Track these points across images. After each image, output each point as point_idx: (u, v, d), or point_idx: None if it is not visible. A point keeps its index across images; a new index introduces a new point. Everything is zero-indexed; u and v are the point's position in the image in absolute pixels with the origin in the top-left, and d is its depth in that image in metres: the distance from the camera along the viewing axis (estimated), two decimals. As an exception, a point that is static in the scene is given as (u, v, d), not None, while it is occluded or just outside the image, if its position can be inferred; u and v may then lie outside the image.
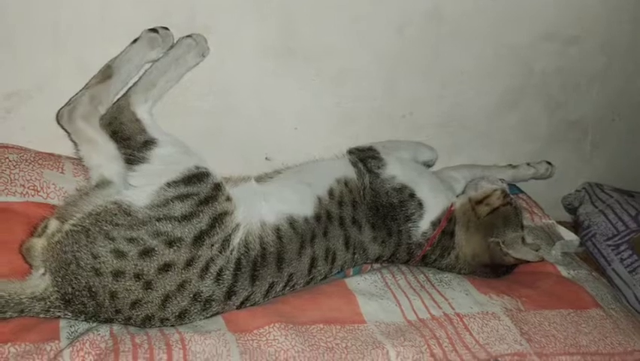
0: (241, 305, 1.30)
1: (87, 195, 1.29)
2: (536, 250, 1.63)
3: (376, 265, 1.58)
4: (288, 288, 1.38)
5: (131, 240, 1.18)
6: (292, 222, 1.39)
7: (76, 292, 1.16)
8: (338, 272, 1.51)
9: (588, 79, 2.03)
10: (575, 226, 2.16)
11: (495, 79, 1.88)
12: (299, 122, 1.73)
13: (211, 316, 1.27)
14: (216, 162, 1.37)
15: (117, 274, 1.16)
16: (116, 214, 1.20)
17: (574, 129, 2.12)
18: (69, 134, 1.36)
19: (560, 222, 1.94)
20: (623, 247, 1.96)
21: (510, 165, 1.97)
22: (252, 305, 1.32)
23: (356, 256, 1.51)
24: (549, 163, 1.99)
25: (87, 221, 1.19)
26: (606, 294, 1.59)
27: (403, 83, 1.78)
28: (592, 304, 1.52)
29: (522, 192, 1.99)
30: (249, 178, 1.47)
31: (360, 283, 1.45)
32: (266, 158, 1.73)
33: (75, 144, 1.37)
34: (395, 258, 1.57)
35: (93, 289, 1.16)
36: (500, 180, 1.73)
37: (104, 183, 1.32)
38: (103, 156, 1.33)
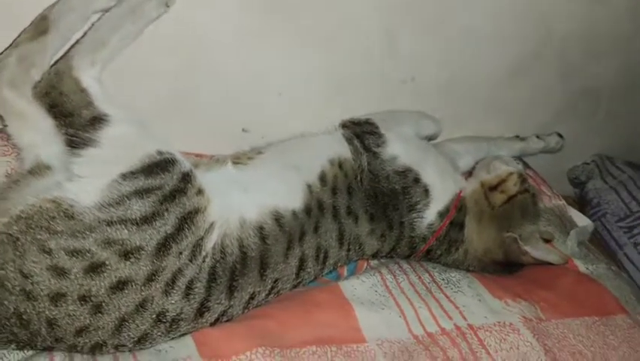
0: (216, 321, 1.07)
1: (17, 184, 1.02)
2: (549, 240, 1.44)
3: (374, 262, 1.35)
4: (271, 295, 1.16)
5: (74, 252, 0.92)
6: (278, 218, 1.15)
7: (3, 320, 0.91)
8: (330, 272, 1.28)
9: (611, 46, 1.78)
10: (581, 203, 1.98)
11: (509, 41, 1.62)
12: (283, 88, 1.44)
13: (179, 336, 1.03)
14: (183, 136, 1.17)
15: (56, 298, 0.90)
16: (54, 218, 0.93)
17: (587, 98, 1.89)
18: (-8, 106, 1.07)
19: (564, 197, 1.75)
20: (637, 230, 1.77)
21: (517, 137, 1.76)
22: (228, 320, 1.08)
23: (351, 253, 1.29)
24: (560, 135, 1.80)
25: (15, 228, 0.91)
26: (629, 294, 1.42)
27: (405, 42, 1.50)
28: (617, 308, 1.35)
29: (529, 167, 1.77)
30: (224, 160, 1.22)
31: (358, 288, 1.22)
32: (243, 130, 1.45)
33: (0, 118, 1.07)
34: (395, 253, 1.35)
35: (25, 317, 0.90)
36: (515, 160, 1.51)
37: (40, 168, 1.05)
38: (38, 134, 1.06)
